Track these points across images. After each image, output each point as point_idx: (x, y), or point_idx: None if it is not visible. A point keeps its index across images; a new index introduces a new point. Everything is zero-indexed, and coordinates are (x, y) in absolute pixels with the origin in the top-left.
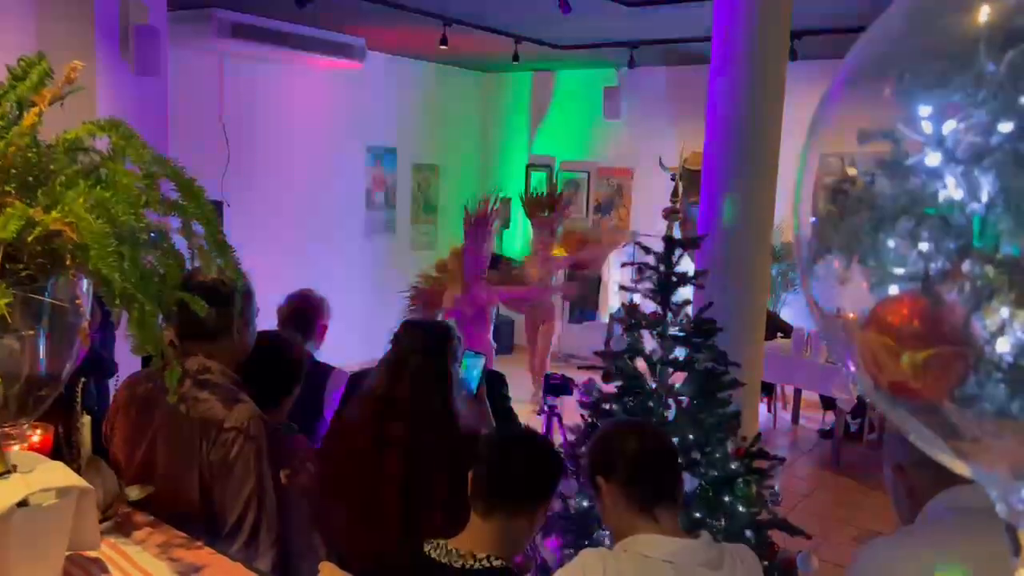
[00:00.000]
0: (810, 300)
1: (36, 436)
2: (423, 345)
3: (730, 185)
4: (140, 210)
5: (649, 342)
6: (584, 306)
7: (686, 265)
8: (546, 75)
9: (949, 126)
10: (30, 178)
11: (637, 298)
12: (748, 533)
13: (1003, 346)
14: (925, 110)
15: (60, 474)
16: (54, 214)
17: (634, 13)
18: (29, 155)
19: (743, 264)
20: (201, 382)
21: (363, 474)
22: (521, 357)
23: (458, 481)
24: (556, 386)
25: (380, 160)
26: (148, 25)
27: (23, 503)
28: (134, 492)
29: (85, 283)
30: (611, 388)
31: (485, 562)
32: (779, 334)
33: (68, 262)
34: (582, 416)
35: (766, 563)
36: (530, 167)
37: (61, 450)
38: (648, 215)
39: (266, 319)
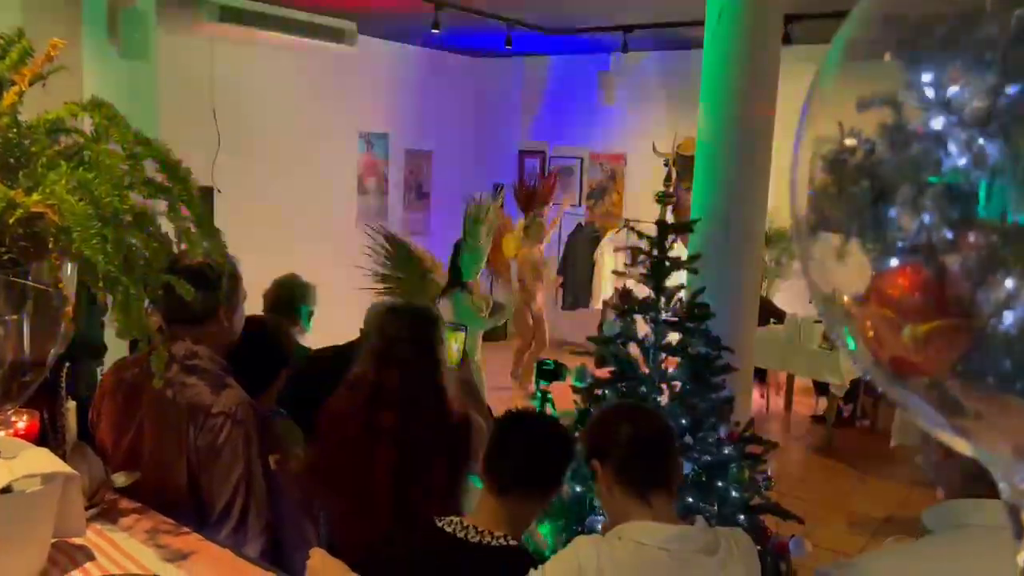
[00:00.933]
0: (807, 277)
1: (21, 422)
2: (410, 332)
3: (724, 171)
4: (124, 192)
5: (642, 327)
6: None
7: (679, 251)
8: (539, 60)
9: (954, 90)
10: (11, 159)
11: (630, 283)
12: (741, 518)
13: (1009, 319)
14: (928, 75)
15: (45, 460)
16: (35, 196)
17: None
18: (10, 135)
19: (736, 249)
20: (188, 367)
21: (355, 463)
22: (514, 343)
23: (450, 467)
24: (548, 372)
25: (372, 146)
26: (136, 8)
27: (7, 489)
28: (120, 478)
29: (69, 267)
30: (604, 373)
31: (502, 540)
32: (772, 320)
33: (51, 245)
34: (575, 402)
35: (759, 547)
36: (523, 153)
37: (46, 436)
38: (641, 201)
39: (254, 305)
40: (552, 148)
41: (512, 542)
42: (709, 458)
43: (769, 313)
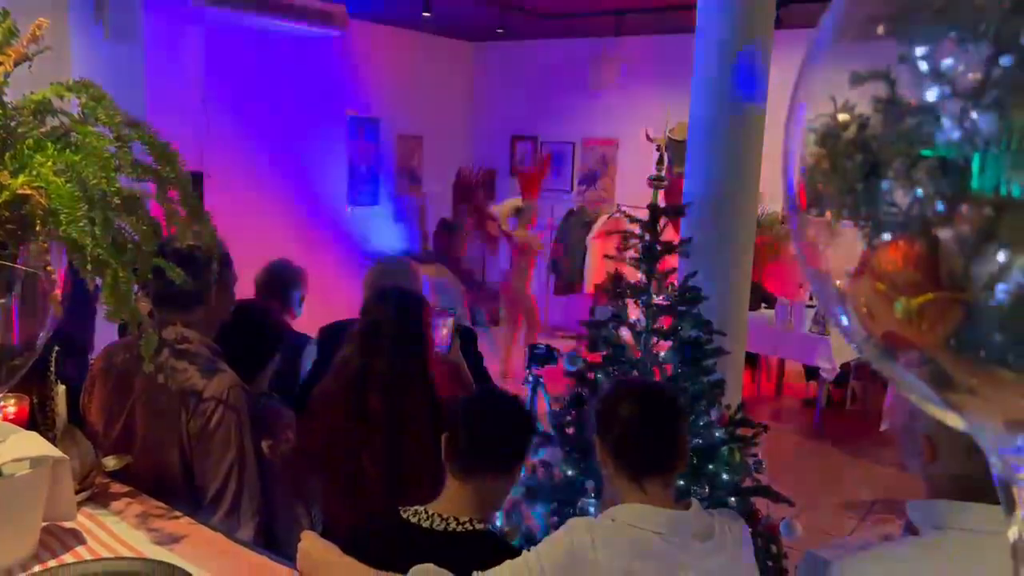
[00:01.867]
0: (800, 253)
1: (10, 407)
2: (397, 314)
3: (715, 155)
4: (112, 174)
5: (634, 311)
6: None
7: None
8: (531, 44)
9: (948, 62)
10: None
11: (622, 267)
12: (732, 500)
13: (1001, 292)
14: (922, 48)
15: (34, 444)
16: (22, 178)
17: None
18: None
19: (728, 233)
20: (179, 352)
21: (344, 446)
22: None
23: (440, 448)
24: (541, 356)
25: (363, 130)
26: None
27: None
28: (111, 462)
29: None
30: (596, 358)
31: (468, 525)
32: (763, 304)
33: (38, 228)
34: (567, 386)
35: (750, 530)
36: (515, 138)
37: (36, 420)
38: (634, 186)
39: (246, 290)
40: (544, 133)
41: (479, 526)
42: (700, 441)
43: (760, 298)
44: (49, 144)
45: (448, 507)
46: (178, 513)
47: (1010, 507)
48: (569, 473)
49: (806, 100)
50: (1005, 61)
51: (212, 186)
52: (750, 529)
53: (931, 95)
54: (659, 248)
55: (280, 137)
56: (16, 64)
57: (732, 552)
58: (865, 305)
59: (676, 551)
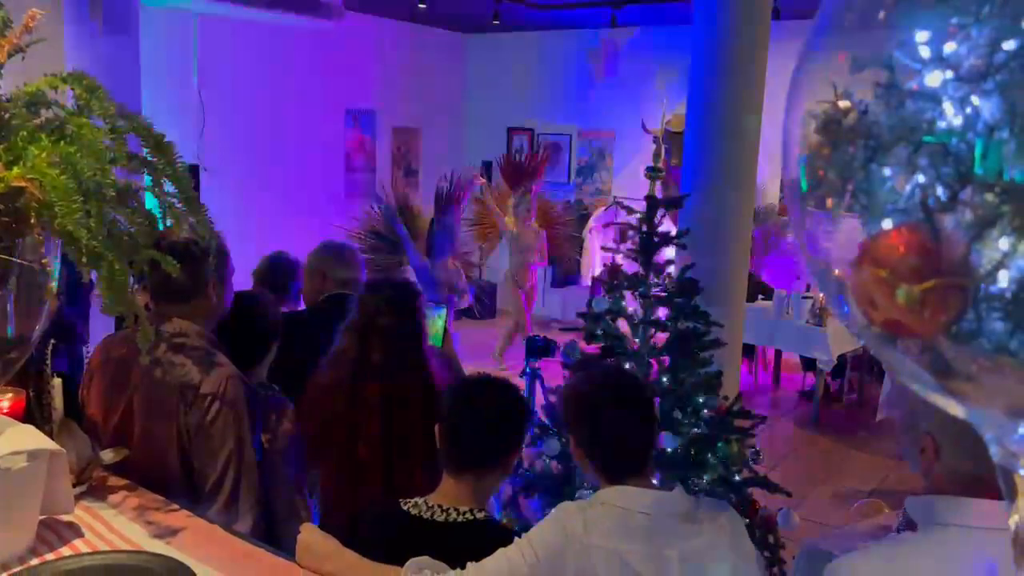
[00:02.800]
0: (800, 241)
1: (6, 401)
2: (390, 305)
3: (713, 147)
4: (107, 166)
5: (631, 303)
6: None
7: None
8: (527, 35)
9: (950, 46)
10: None
11: (619, 259)
12: (729, 492)
13: (1003, 279)
14: (923, 32)
15: (30, 437)
16: (16, 170)
17: None
18: None
19: (725, 224)
20: (176, 346)
21: (343, 437)
22: (503, 321)
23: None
24: (539, 348)
25: (359, 123)
26: None
27: None
28: (109, 455)
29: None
30: (594, 349)
31: (468, 515)
32: (760, 296)
33: (33, 220)
34: (564, 378)
35: (747, 520)
36: (511, 130)
37: (32, 414)
38: (631, 177)
39: (244, 282)
40: (541, 125)
41: (480, 515)
42: (698, 431)
43: (757, 289)
44: (43, 136)
45: (446, 499)
46: (175, 506)
47: (1011, 495)
48: (566, 465)
49: (806, 87)
50: (1008, 45)
51: (208, 178)
52: (746, 520)
53: (932, 80)
54: (656, 239)
55: (276, 129)
56: (9, 55)
57: (716, 532)
58: (866, 292)
59: (662, 532)
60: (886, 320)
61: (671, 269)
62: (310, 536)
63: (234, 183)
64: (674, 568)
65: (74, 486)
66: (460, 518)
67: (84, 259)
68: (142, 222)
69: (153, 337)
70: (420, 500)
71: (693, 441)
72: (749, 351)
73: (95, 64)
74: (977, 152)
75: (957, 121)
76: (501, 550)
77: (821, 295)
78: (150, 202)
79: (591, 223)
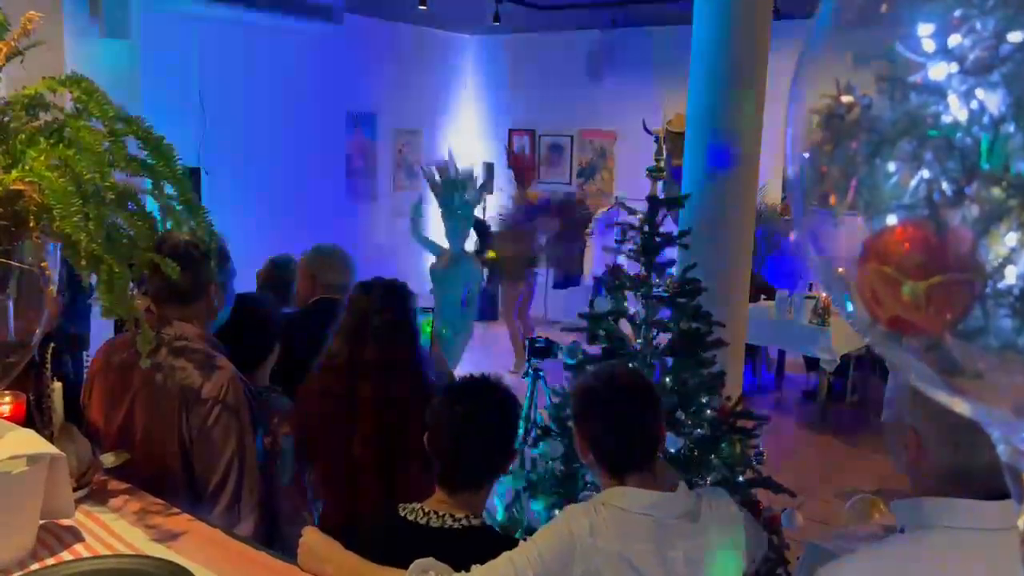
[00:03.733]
0: (803, 239)
1: (6, 405)
2: (381, 304)
3: (714, 146)
4: (106, 169)
5: (633, 304)
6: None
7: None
8: (528, 37)
9: (954, 39)
10: None
11: (621, 259)
12: (733, 493)
13: (1011, 274)
14: (927, 25)
15: (31, 441)
16: (15, 173)
17: None
18: None
19: (727, 224)
20: (177, 349)
21: (338, 436)
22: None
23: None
24: (540, 349)
25: (360, 125)
26: None
27: None
28: (109, 459)
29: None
30: (596, 350)
31: (464, 521)
32: (762, 296)
33: (32, 223)
34: (566, 379)
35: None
36: (512, 131)
37: (33, 418)
38: (632, 178)
39: (247, 285)
40: (542, 126)
41: (475, 521)
42: (701, 432)
43: (760, 289)
44: (42, 139)
45: (443, 507)
46: (176, 510)
47: (1019, 495)
48: (569, 467)
49: (808, 81)
50: (1013, 37)
51: (210, 181)
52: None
53: (937, 74)
54: (658, 240)
55: (277, 132)
56: (8, 58)
57: (718, 530)
58: (870, 290)
59: (666, 532)
60: (891, 317)
61: (673, 269)
62: (313, 538)
63: (235, 186)
64: (679, 568)
65: (75, 490)
66: (456, 524)
67: (83, 262)
68: (142, 225)
69: (154, 341)
70: (417, 506)
71: (696, 442)
72: (752, 352)
73: (96, 68)
74: (983, 146)
75: (962, 115)
76: (506, 553)
77: (824, 295)
78: (150, 205)
79: (593, 223)
